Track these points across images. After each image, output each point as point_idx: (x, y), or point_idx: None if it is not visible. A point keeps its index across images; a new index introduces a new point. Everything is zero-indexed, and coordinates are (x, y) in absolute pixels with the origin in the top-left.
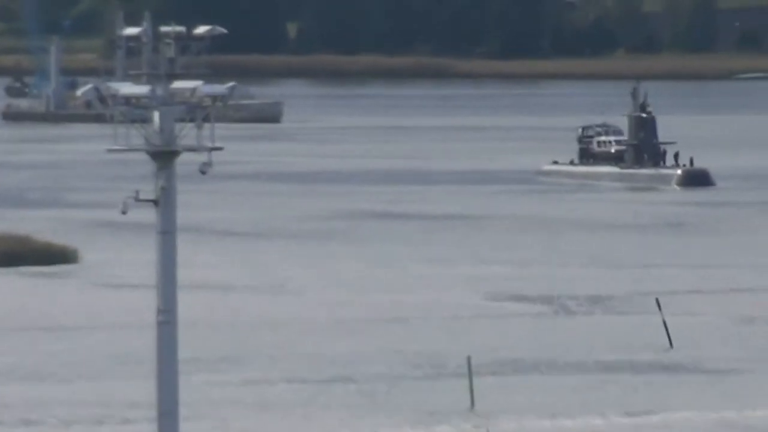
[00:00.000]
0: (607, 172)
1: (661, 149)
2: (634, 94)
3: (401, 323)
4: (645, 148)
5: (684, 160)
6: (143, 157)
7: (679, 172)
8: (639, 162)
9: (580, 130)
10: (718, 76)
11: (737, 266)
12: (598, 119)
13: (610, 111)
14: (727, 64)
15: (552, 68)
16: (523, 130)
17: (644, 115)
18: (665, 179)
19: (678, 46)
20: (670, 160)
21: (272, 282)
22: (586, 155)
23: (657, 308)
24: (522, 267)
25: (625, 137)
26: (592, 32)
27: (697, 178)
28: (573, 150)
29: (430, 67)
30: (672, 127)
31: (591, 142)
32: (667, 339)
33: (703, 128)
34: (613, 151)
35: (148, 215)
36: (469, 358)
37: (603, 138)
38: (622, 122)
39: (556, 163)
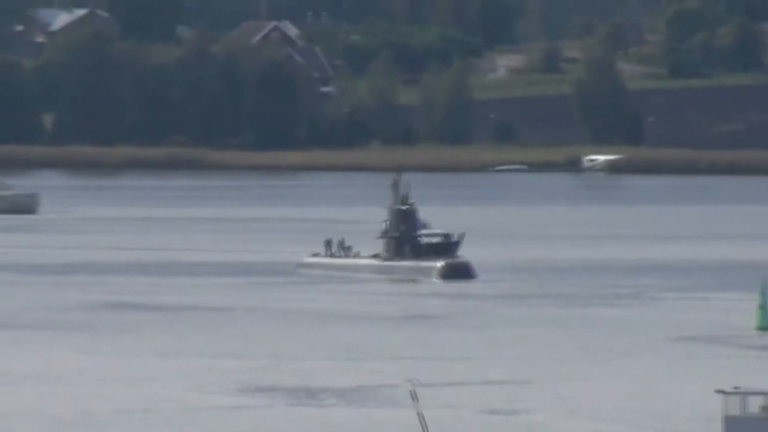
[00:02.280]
0: (368, 264)
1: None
2: (395, 186)
3: (161, 414)
4: (406, 240)
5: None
6: None
7: (440, 264)
8: (400, 254)
9: (384, 224)
10: (474, 168)
11: (489, 359)
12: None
13: (371, 203)
14: (482, 155)
15: (307, 159)
16: (281, 221)
17: (405, 207)
18: (426, 272)
19: (434, 137)
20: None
21: (32, 373)
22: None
23: (412, 400)
24: (273, 358)
25: (434, 230)
26: (348, 124)
27: (458, 271)
28: (331, 242)
29: (185, 158)
30: (433, 219)
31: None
32: (423, 430)
33: (461, 220)
34: (423, 243)
35: None
36: None
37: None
38: (383, 214)
39: (316, 255)
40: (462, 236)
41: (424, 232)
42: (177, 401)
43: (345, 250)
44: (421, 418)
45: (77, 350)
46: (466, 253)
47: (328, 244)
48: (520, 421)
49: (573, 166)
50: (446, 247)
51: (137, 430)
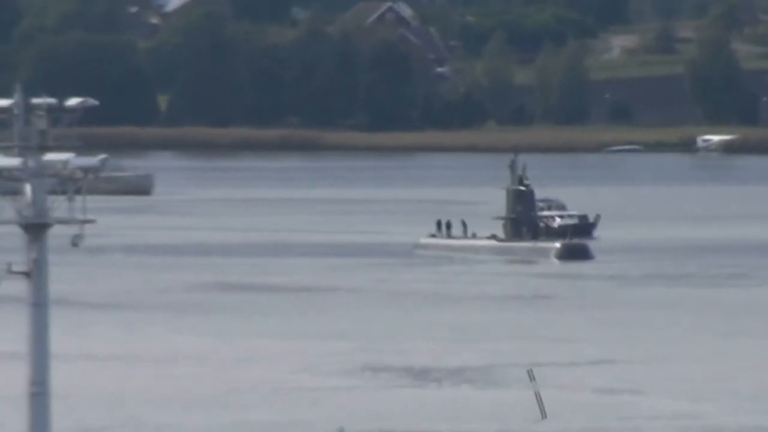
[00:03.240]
0: (486, 245)
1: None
2: (512, 167)
3: (271, 396)
4: (523, 221)
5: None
6: (14, 229)
7: (557, 245)
8: (517, 235)
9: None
10: (589, 149)
11: (602, 339)
12: (540, 194)
13: (486, 183)
14: (598, 136)
15: (422, 140)
16: (397, 202)
17: (522, 188)
18: (544, 252)
19: (549, 118)
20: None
21: (144, 354)
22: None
23: (529, 380)
24: (392, 340)
25: (570, 211)
26: (463, 104)
27: (575, 252)
28: (449, 223)
29: (300, 140)
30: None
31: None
32: (539, 410)
33: (578, 201)
34: (556, 225)
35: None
36: None
37: (546, 213)
38: (501, 195)
39: (433, 236)
40: (598, 218)
41: (560, 212)
42: (288, 382)
43: (448, 230)
44: (537, 397)
45: (188, 331)
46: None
47: (440, 224)
48: (631, 401)
49: (687, 146)
50: (582, 228)
51: (247, 411)
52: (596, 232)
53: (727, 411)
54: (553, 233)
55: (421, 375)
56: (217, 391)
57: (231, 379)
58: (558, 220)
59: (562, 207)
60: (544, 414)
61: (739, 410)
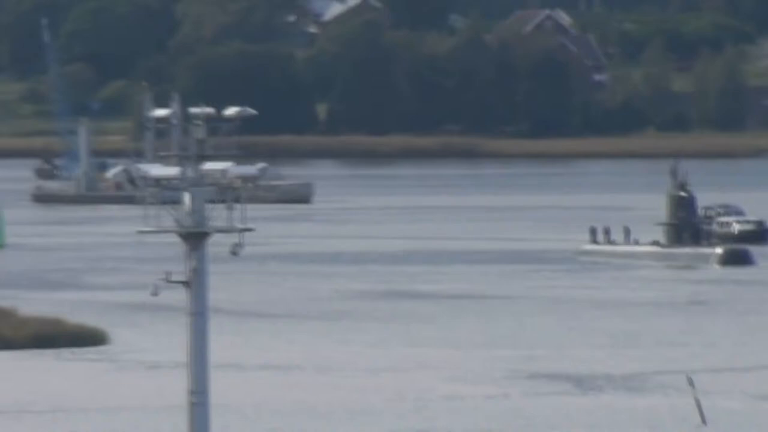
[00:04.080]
0: (648, 251)
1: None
2: (673, 173)
3: (428, 404)
4: (685, 226)
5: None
6: (173, 238)
7: (719, 250)
8: (679, 241)
9: (701, 211)
10: (747, 154)
11: (764, 345)
12: (718, 199)
13: (647, 189)
14: (756, 141)
15: (582, 147)
16: (558, 209)
17: (683, 193)
18: (705, 258)
19: (707, 124)
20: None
21: (301, 363)
22: (708, 236)
23: (689, 386)
24: (551, 347)
25: (748, 216)
26: (621, 111)
27: (737, 257)
28: (618, 229)
29: (460, 147)
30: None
31: (712, 223)
32: (699, 416)
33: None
34: (735, 231)
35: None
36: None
37: (724, 219)
38: (662, 201)
39: (595, 242)
40: None
41: (738, 218)
42: (446, 390)
43: (607, 236)
44: (697, 403)
45: (344, 340)
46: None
47: (596, 231)
48: None
49: None
50: (760, 234)
51: (405, 420)
52: None
53: None
54: (731, 239)
55: (581, 381)
56: (374, 400)
57: (387, 387)
58: (736, 225)
59: (740, 213)
60: (704, 420)
61: None
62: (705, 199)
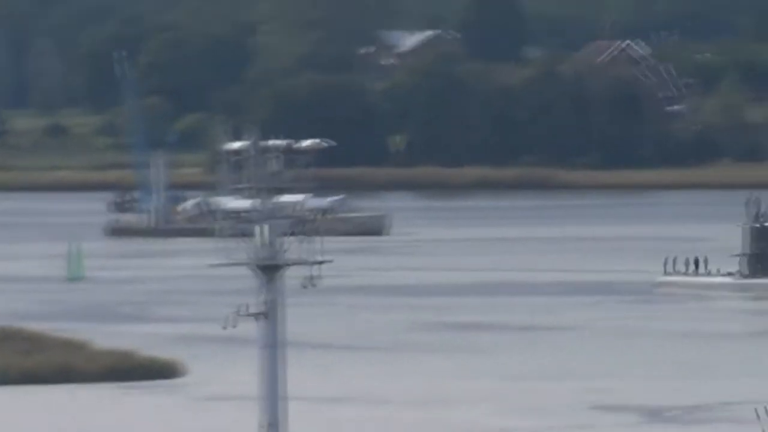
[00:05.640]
0: (725, 282)
1: None
2: (750, 204)
3: None
4: (763, 257)
5: None
6: (245, 271)
7: None
8: (757, 272)
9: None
10: None
11: None
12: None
13: (722, 220)
14: None
15: (655, 178)
16: (633, 240)
17: (761, 224)
18: None
19: None
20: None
21: (371, 396)
22: None
23: (757, 418)
24: (624, 378)
25: None
26: (696, 141)
27: None
28: (688, 261)
29: (534, 178)
30: None
31: None
32: None
33: None
34: None
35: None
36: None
37: None
38: (734, 232)
39: (671, 274)
40: None
41: None
42: (514, 422)
43: (696, 267)
44: None
45: (409, 372)
46: None
47: (672, 262)
48: None
49: None
50: None
51: None
52: None
53: None
54: None
55: (654, 413)
56: None
57: (454, 420)
58: None
59: None
60: None
61: None
62: None
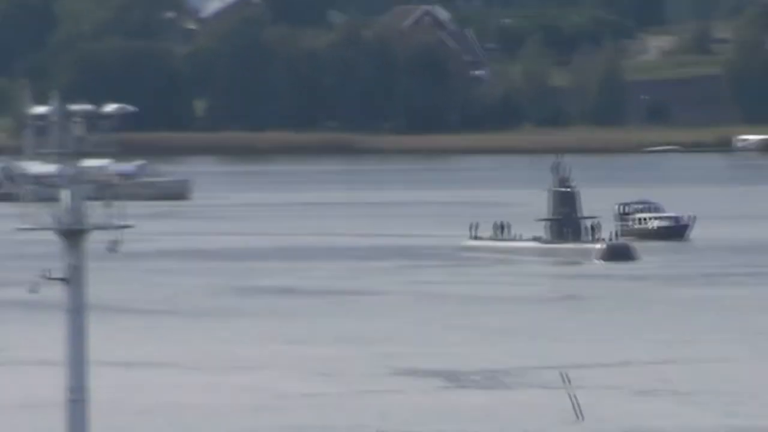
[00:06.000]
0: (529, 247)
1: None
2: (556, 169)
3: (307, 399)
4: (567, 222)
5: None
6: (52, 235)
7: (600, 246)
8: (561, 236)
9: (618, 207)
10: (627, 149)
11: (639, 340)
12: (635, 196)
13: (526, 185)
14: (635, 137)
15: (460, 143)
16: (437, 205)
17: (566, 189)
18: (587, 254)
19: (586, 119)
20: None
21: (173, 361)
22: (625, 233)
23: (563, 381)
24: (427, 342)
25: (666, 213)
26: (500, 107)
27: (618, 253)
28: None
29: (337, 143)
30: (589, 201)
31: (630, 220)
32: (575, 411)
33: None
34: (652, 227)
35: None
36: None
37: (642, 215)
38: (543, 196)
39: (477, 238)
40: (693, 219)
41: (655, 214)
42: (320, 387)
43: (503, 231)
44: (572, 399)
45: (210, 336)
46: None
47: (476, 227)
48: (666, 402)
49: (724, 146)
50: (677, 230)
51: (279, 417)
52: (691, 234)
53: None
54: (649, 235)
55: (456, 377)
56: (240, 398)
57: (256, 385)
58: (654, 222)
59: (658, 209)
60: (580, 415)
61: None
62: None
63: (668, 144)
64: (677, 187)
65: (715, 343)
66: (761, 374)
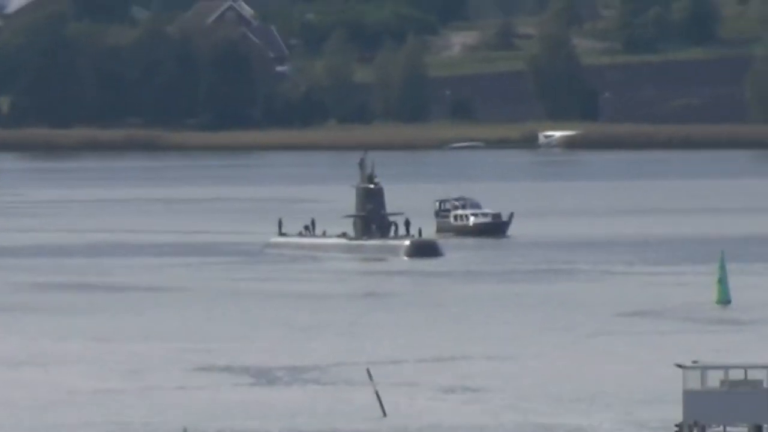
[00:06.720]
0: (335, 243)
1: (389, 220)
2: (362, 165)
3: (110, 395)
4: (373, 218)
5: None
6: None
7: (407, 243)
8: (367, 233)
9: (437, 204)
10: (430, 146)
11: (445, 336)
12: (455, 192)
13: (330, 182)
14: (438, 133)
15: (263, 139)
16: (240, 201)
17: (372, 185)
18: (393, 250)
19: (390, 115)
20: (401, 230)
21: None
22: (444, 229)
23: (368, 378)
24: (227, 338)
25: (484, 210)
26: (304, 103)
27: (425, 249)
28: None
29: (141, 140)
30: (396, 198)
31: (448, 216)
32: (379, 408)
33: (423, 198)
34: (471, 224)
35: None
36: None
37: (460, 212)
38: (351, 192)
39: (283, 234)
40: (511, 216)
41: (474, 211)
42: (126, 384)
43: (313, 229)
44: (377, 396)
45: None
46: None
47: (289, 222)
48: (469, 399)
49: (529, 142)
50: (496, 227)
51: (80, 415)
52: (510, 230)
53: (558, 410)
54: (468, 232)
55: (262, 374)
56: (38, 394)
57: (56, 381)
58: (472, 218)
59: (476, 205)
60: (384, 412)
61: (572, 410)
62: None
63: (471, 140)
64: (483, 183)
65: (516, 338)
66: (554, 369)
